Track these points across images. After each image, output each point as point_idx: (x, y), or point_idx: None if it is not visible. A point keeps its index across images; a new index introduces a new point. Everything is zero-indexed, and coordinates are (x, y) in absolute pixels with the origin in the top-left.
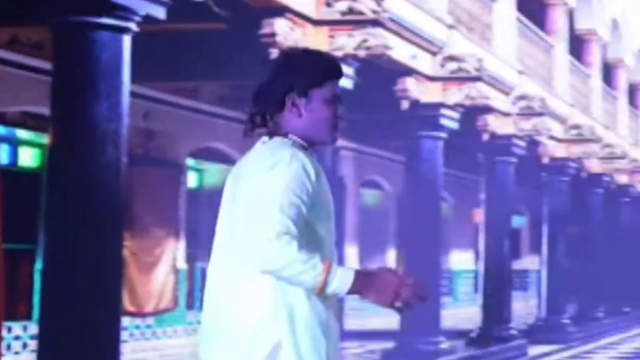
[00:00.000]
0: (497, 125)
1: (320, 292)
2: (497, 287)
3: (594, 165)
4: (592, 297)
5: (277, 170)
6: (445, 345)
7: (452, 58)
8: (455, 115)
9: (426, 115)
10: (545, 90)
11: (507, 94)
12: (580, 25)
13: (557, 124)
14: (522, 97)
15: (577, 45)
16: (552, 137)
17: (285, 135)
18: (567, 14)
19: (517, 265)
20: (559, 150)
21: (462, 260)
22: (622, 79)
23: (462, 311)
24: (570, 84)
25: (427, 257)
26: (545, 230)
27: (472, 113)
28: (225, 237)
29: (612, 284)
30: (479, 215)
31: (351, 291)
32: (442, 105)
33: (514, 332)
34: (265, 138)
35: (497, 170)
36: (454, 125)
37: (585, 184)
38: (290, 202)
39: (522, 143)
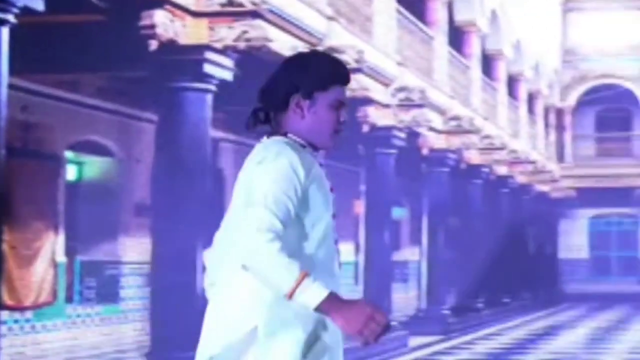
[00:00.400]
0: (377, 116)
1: (289, 299)
2: (377, 278)
3: (474, 157)
4: (472, 288)
5: (263, 165)
6: None
7: (332, 50)
8: None
9: None
10: (425, 82)
11: (386, 85)
12: (460, 16)
13: (437, 115)
14: (401, 89)
15: (457, 36)
16: (431, 129)
17: (284, 134)
18: (446, 6)
19: (397, 256)
20: (439, 142)
21: (343, 252)
22: (501, 70)
23: None
24: (449, 75)
25: None
26: (425, 221)
27: (352, 105)
28: (222, 229)
29: (492, 275)
30: (359, 207)
31: (319, 309)
32: None
33: (394, 323)
34: (264, 138)
35: (377, 162)
36: None
37: (465, 175)
38: (276, 198)
39: (402, 134)
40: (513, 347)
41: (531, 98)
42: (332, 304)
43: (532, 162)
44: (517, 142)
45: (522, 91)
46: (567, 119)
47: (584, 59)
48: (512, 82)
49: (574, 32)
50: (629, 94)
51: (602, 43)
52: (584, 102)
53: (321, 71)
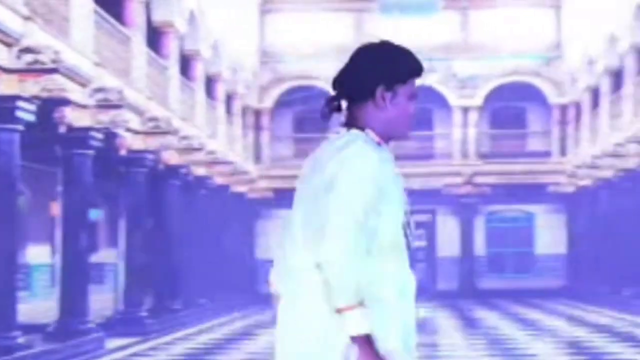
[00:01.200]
0: (74, 117)
1: (337, 311)
2: (74, 280)
3: (172, 157)
4: (170, 290)
5: (347, 166)
6: (22, 340)
7: (28, 50)
8: (32, 107)
9: (2, 107)
10: (123, 82)
11: (84, 86)
12: (157, 17)
13: (135, 116)
14: (99, 90)
15: (155, 37)
16: (129, 130)
17: (362, 128)
18: (144, 6)
19: (95, 258)
20: (137, 143)
21: (38, 254)
22: (199, 71)
23: (39, 305)
24: (148, 75)
25: (2, 251)
26: (122, 223)
27: (49, 105)
28: (298, 225)
29: (190, 276)
30: (56, 208)
31: (354, 339)
32: (18, 97)
33: (91, 325)
34: (342, 129)
35: (74, 163)
36: (30, 117)
37: (163, 176)
38: (359, 204)
39: (99, 135)
40: (212, 347)
41: (229, 99)
42: (367, 344)
43: (230, 163)
44: (216, 143)
45: (220, 92)
46: (265, 120)
47: (281, 60)
48: (211, 83)
49: (271, 33)
50: (324, 95)
51: (300, 44)
52: (281, 103)
53: (404, 64)
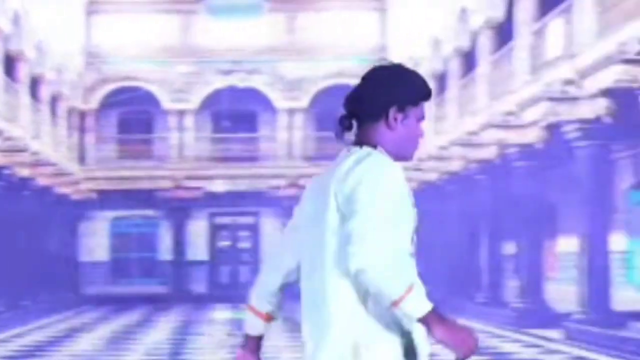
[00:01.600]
0: None
1: (395, 307)
2: None
3: None
4: None
5: (374, 178)
6: None
7: None
8: None
9: None
10: None
11: None
12: None
13: None
14: None
15: None
16: None
17: (374, 147)
18: None
19: None
20: None
21: None
22: (24, 71)
23: None
24: None
25: None
26: None
27: None
28: (319, 241)
29: (11, 277)
30: None
31: (422, 319)
32: None
33: None
34: (353, 147)
35: None
36: None
37: None
38: (391, 212)
39: None
40: (33, 350)
41: (54, 100)
42: (435, 316)
43: (54, 165)
44: (40, 144)
45: (45, 93)
46: (90, 121)
47: (106, 61)
48: (35, 84)
49: (97, 33)
50: (150, 96)
51: (126, 45)
52: (106, 105)
53: (417, 86)
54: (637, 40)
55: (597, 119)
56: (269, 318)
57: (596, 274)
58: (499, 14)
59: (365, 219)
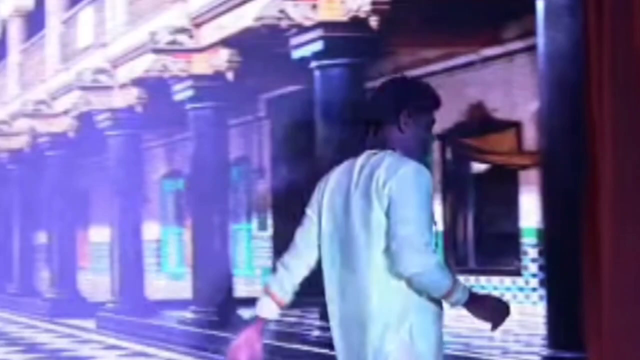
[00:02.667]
0: None
1: (444, 298)
2: None
3: None
4: None
5: (412, 181)
6: None
7: None
8: None
9: None
10: None
11: None
12: None
13: None
14: None
15: None
16: None
17: (393, 149)
18: None
19: None
20: None
21: None
22: None
23: None
24: None
25: None
26: None
27: None
28: (359, 239)
29: None
30: None
31: (466, 304)
32: None
33: None
34: (373, 151)
35: None
36: None
37: None
38: (428, 214)
39: None
40: None
41: None
42: (475, 299)
43: None
44: None
45: None
46: None
47: None
48: None
49: None
50: None
51: None
52: None
53: (427, 94)
54: (167, 30)
55: (129, 108)
56: (284, 307)
57: (128, 263)
58: (28, 2)
59: (419, 225)
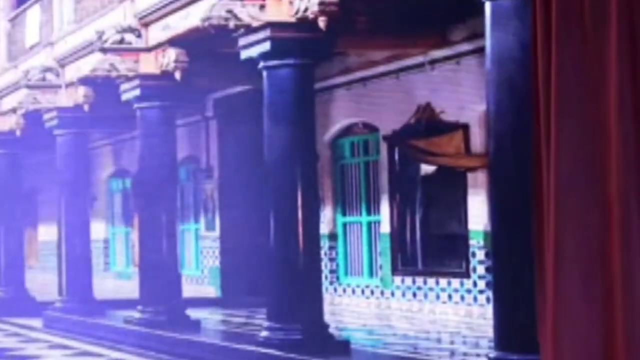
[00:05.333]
0: None
1: None
2: None
3: None
4: None
5: None
6: None
7: None
8: None
9: None
10: None
11: None
12: None
13: None
14: None
15: None
16: None
17: None
18: None
19: None
20: None
21: None
22: None
23: None
24: None
25: None
26: None
27: None
28: None
29: None
30: None
31: None
32: None
33: None
34: None
35: None
36: None
37: None
38: None
39: None
40: None
41: None
42: None
43: None
44: None
45: None
46: None
47: None
48: None
49: None
50: None
51: None
52: None
53: None
54: (114, 30)
55: (76, 107)
56: None
57: (76, 262)
58: None
59: None
